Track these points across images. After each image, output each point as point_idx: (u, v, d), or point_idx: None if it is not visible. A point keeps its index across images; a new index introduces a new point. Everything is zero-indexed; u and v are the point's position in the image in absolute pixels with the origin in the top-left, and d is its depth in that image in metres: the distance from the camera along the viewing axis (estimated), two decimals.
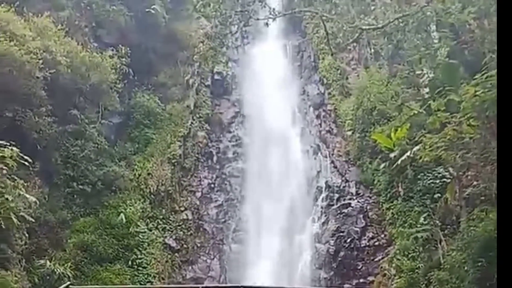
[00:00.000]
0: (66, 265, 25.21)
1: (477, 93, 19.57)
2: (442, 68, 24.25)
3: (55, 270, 24.44)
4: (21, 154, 22.63)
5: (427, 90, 25.77)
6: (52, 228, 27.16)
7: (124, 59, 33.31)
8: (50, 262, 24.78)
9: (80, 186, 29.34)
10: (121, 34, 35.32)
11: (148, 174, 31.94)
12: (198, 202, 33.92)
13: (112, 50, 32.82)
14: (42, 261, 24.74)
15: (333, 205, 33.00)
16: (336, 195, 33.35)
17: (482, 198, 23.15)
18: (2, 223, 21.12)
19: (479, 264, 19.67)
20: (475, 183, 23.69)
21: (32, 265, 24.53)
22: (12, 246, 22.82)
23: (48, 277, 24.24)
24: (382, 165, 29.54)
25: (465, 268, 20.77)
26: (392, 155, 26.50)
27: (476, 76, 20.22)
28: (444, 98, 21.60)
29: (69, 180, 29.27)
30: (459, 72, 23.66)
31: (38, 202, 24.45)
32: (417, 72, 29.15)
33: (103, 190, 29.96)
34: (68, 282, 16.88)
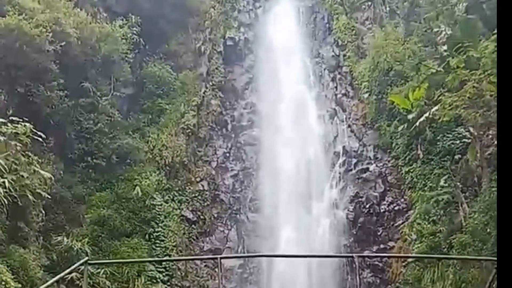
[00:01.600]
0: (83, 241, 25.05)
1: None
2: (460, 24, 23.57)
3: (73, 246, 24.33)
4: (34, 130, 22.40)
5: (445, 47, 25.00)
6: (68, 204, 27.06)
7: (134, 28, 32.96)
8: (68, 238, 24.69)
9: (95, 160, 29.10)
10: (130, 3, 34.73)
11: (163, 145, 31.55)
12: (213, 172, 33.43)
13: (122, 19, 32.35)
14: (59, 238, 24.64)
15: (351, 170, 32.57)
16: (354, 160, 32.90)
17: None
18: (19, 201, 20.96)
19: None
20: (496, 142, 23.21)
21: (49, 242, 24.46)
22: (29, 223, 22.70)
23: (66, 254, 24.16)
24: (400, 127, 29.03)
25: (488, 230, 20.50)
26: (410, 116, 26.01)
27: (495, 31, 19.62)
28: (463, 55, 21.12)
29: (84, 155, 29.08)
30: (478, 28, 22.97)
31: (53, 178, 24.17)
32: (434, 30, 28.51)
33: (117, 164, 29.73)
34: (86, 258, 16.67)
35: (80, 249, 24.29)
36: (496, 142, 23.30)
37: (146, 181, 29.38)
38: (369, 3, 34.11)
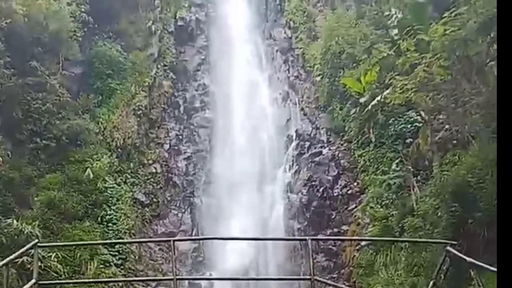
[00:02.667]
0: (34, 223, 24.33)
1: (446, 32, 19.28)
2: (410, 7, 23.80)
3: (23, 229, 23.56)
4: None
5: (396, 31, 25.27)
6: (17, 186, 26.27)
7: (82, 6, 32.17)
8: (17, 221, 23.94)
9: (44, 141, 28.33)
10: None
11: (114, 126, 31.03)
12: (166, 155, 33.16)
13: None
14: (9, 220, 23.82)
15: (304, 153, 32.64)
16: (307, 143, 32.95)
17: (454, 141, 23.16)
18: None
19: (452, 209, 19.64)
20: (446, 126, 23.61)
21: None
22: None
23: (16, 237, 23.41)
24: (353, 111, 29.13)
25: (438, 214, 20.76)
26: (362, 100, 26.18)
27: (444, 15, 19.88)
28: (413, 38, 21.33)
29: (32, 135, 28.28)
30: (427, 11, 23.22)
31: (1, 159, 23.87)
32: (385, 13, 28.67)
33: (68, 145, 28.98)
34: (36, 240, 16.34)
35: (31, 232, 23.56)
36: (446, 127, 23.78)
37: (97, 163, 28.82)
38: None
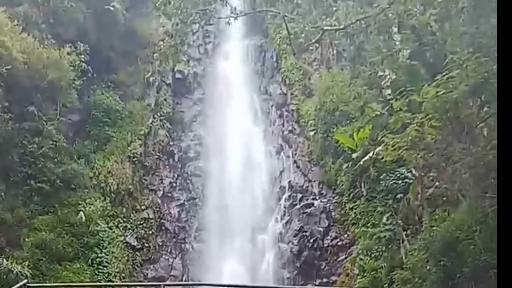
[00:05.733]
0: (23, 264, 24.29)
1: (438, 93, 19.70)
2: (404, 69, 24.36)
3: (12, 269, 23.53)
4: None
5: (389, 91, 25.84)
6: (9, 227, 26.43)
7: (82, 56, 32.59)
8: (7, 260, 23.95)
9: (38, 184, 28.51)
10: (79, 31, 34.37)
11: (108, 172, 31.34)
12: (159, 201, 33.43)
13: (70, 47, 31.91)
14: None
15: (296, 204, 32.81)
16: (299, 195, 33.19)
17: (444, 198, 23.31)
18: None
19: (441, 263, 19.74)
20: (436, 183, 23.74)
21: None
22: None
23: (5, 276, 23.34)
24: (345, 165, 29.52)
25: (427, 267, 20.83)
26: (354, 155, 26.47)
27: (437, 77, 20.39)
28: (406, 98, 21.68)
29: (27, 178, 28.46)
30: (420, 73, 23.78)
31: None
32: (379, 74, 29.21)
33: (61, 188, 29.20)
34: (25, 280, 16.23)
35: (20, 272, 23.54)
36: (436, 184, 24.03)
37: (90, 207, 29.00)
38: (317, 45, 34.71)
